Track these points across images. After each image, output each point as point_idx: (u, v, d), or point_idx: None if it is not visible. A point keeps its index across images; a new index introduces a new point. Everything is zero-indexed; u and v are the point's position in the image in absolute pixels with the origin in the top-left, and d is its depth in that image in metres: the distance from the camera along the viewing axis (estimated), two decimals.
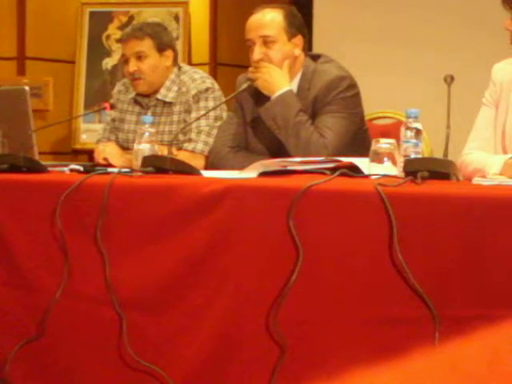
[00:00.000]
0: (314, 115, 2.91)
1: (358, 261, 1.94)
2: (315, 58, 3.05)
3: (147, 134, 2.67)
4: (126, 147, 3.51)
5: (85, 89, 5.26)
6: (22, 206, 2.44)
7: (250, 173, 2.32)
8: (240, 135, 3.11)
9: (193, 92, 3.43)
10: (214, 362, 2.12)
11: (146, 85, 3.45)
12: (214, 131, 3.32)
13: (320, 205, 1.99)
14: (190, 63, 4.95)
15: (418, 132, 2.22)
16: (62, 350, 2.37)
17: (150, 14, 5.18)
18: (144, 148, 2.64)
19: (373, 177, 2.16)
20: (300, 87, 2.98)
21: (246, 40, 2.99)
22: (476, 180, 2.16)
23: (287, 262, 1.99)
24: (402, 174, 2.07)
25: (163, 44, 3.47)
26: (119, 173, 2.40)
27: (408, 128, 2.22)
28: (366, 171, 2.21)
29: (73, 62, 5.28)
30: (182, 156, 3.20)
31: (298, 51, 2.99)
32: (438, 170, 2.07)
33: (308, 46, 3.16)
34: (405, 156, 2.18)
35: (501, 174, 2.29)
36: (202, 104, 3.41)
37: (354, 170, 2.19)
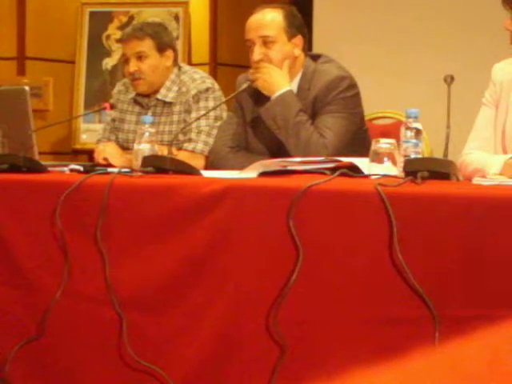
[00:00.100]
0: (313, 115, 2.91)
1: (358, 261, 1.94)
2: (315, 58, 3.05)
3: (147, 133, 2.68)
4: (126, 147, 3.51)
5: (85, 89, 5.26)
6: (22, 206, 2.44)
7: (250, 173, 2.32)
8: (240, 135, 3.11)
9: (193, 92, 3.43)
10: (213, 362, 2.12)
11: (146, 85, 3.46)
12: (214, 131, 3.32)
13: (320, 205, 1.99)
14: (190, 63, 4.95)
15: (418, 132, 2.22)
16: (62, 350, 2.37)
17: (150, 14, 5.18)
18: (144, 148, 2.64)
19: (373, 177, 2.16)
20: (300, 87, 2.98)
21: (246, 40, 2.99)
22: (476, 180, 2.16)
23: (287, 262, 1.99)
24: (402, 174, 2.07)
25: (163, 44, 3.47)
26: (119, 173, 2.40)
27: (408, 128, 2.22)
28: (366, 171, 2.21)
29: (73, 62, 5.27)
30: (182, 156, 3.20)
31: (297, 51, 2.99)
32: (438, 170, 2.07)
33: (308, 46, 3.16)
34: (405, 156, 2.18)
35: (501, 174, 2.29)
36: (202, 104, 3.41)
37: (354, 170, 2.19)
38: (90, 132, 5.15)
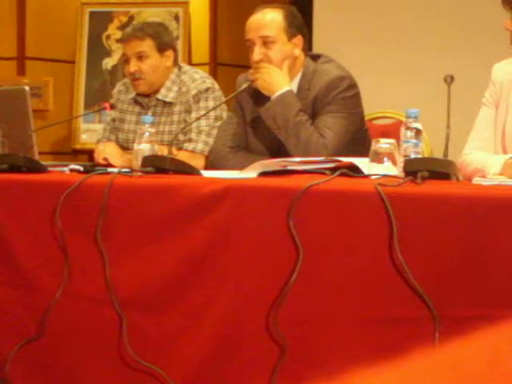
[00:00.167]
0: (313, 115, 2.91)
1: (358, 261, 1.94)
2: (315, 58, 3.05)
3: (147, 134, 2.67)
4: (126, 147, 3.51)
5: (85, 89, 5.26)
6: (22, 206, 2.44)
7: (250, 173, 2.32)
8: (240, 135, 3.11)
9: (193, 92, 3.43)
10: (213, 362, 2.12)
11: (146, 85, 3.46)
12: (214, 131, 3.33)
13: (320, 205, 1.99)
14: (190, 63, 4.95)
15: (418, 132, 2.22)
16: (62, 350, 2.37)
17: (150, 14, 5.18)
18: (144, 148, 2.64)
19: (373, 177, 2.16)
20: (300, 87, 2.98)
21: (246, 40, 2.99)
22: (476, 180, 2.16)
23: (287, 262, 1.99)
24: (402, 174, 2.07)
25: (164, 44, 3.47)
26: (119, 173, 2.40)
27: (408, 128, 2.22)
28: (366, 171, 2.21)
29: (73, 62, 5.27)
30: (182, 156, 3.20)
31: (297, 51, 2.99)
32: (438, 170, 2.07)
33: (308, 46, 3.16)
34: (405, 156, 2.18)
35: (501, 174, 2.29)
36: (202, 104, 3.41)
37: (354, 170, 2.19)
38: (89, 132, 5.15)
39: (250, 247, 2.07)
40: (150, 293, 2.22)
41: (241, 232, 2.09)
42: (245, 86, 2.98)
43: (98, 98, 5.09)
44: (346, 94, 2.92)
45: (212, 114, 3.37)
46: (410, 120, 2.23)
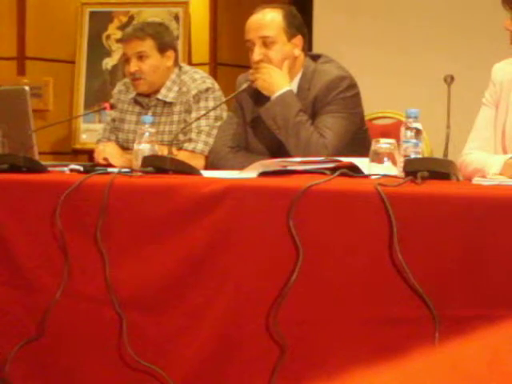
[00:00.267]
0: (313, 115, 2.91)
1: (358, 261, 1.94)
2: (315, 58, 3.05)
3: (147, 134, 2.67)
4: (126, 147, 3.51)
5: (85, 89, 5.26)
6: (22, 206, 2.44)
7: (250, 173, 2.32)
8: (240, 135, 3.11)
9: (193, 92, 3.43)
10: (213, 362, 2.12)
11: (146, 85, 3.45)
12: (214, 131, 3.32)
13: (320, 205, 1.99)
14: (190, 63, 4.95)
15: (418, 132, 2.22)
16: (62, 350, 2.37)
17: (150, 14, 5.18)
18: (144, 148, 2.64)
19: (373, 177, 2.16)
20: (300, 87, 2.98)
21: (246, 40, 2.99)
22: (476, 180, 2.16)
23: (287, 262, 1.99)
24: (402, 174, 2.07)
25: (165, 44, 3.47)
26: (119, 173, 2.40)
27: (408, 128, 2.22)
28: (366, 171, 2.21)
29: (73, 62, 5.28)
30: (182, 156, 3.20)
31: (297, 51, 2.99)
32: (438, 170, 2.07)
33: (308, 46, 3.16)
34: (405, 156, 2.18)
35: (501, 174, 2.29)
36: (202, 104, 3.41)
37: (354, 170, 2.19)
38: (89, 132, 5.15)
39: (250, 247, 2.07)
40: (150, 293, 2.22)
41: (241, 232, 2.09)
42: (245, 86, 2.98)
43: (98, 98, 5.09)
44: (345, 94, 2.92)
45: (212, 114, 3.37)
46: (410, 120, 2.23)
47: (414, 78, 4.75)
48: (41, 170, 2.62)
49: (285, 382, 2.02)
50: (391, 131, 3.03)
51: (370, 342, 1.91)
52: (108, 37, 5.30)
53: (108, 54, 5.29)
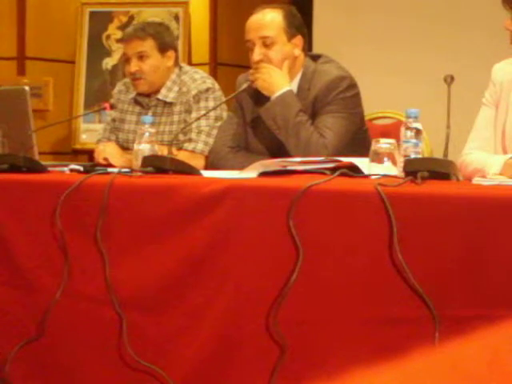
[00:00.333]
0: (313, 115, 2.91)
1: (358, 261, 1.94)
2: (315, 58, 3.05)
3: (147, 134, 2.67)
4: (126, 147, 3.51)
5: (85, 89, 5.26)
6: (22, 206, 2.44)
7: (250, 173, 2.32)
8: (240, 135, 3.11)
9: (193, 92, 3.43)
10: (213, 361, 2.12)
11: (146, 85, 3.45)
12: (215, 131, 3.32)
13: (320, 205, 1.99)
14: (190, 63, 4.95)
15: (418, 132, 2.22)
16: (62, 350, 2.37)
17: (150, 14, 5.18)
18: (144, 148, 2.64)
19: (373, 177, 2.16)
20: (300, 87, 2.98)
21: (246, 41, 2.99)
22: (476, 180, 2.16)
23: (287, 262, 1.99)
24: (402, 174, 2.07)
25: (165, 44, 3.47)
26: (119, 173, 2.40)
27: (408, 128, 2.22)
28: (366, 171, 2.21)
29: (73, 62, 5.28)
30: (182, 156, 3.20)
31: (297, 51, 2.99)
32: (438, 170, 2.07)
33: (308, 46, 3.16)
34: (405, 156, 2.18)
35: (501, 174, 2.29)
36: (202, 104, 3.41)
37: (354, 170, 2.19)
38: (89, 132, 5.15)
39: (250, 247, 2.07)
40: (150, 293, 2.22)
41: (241, 232, 2.09)
42: (245, 86, 2.98)
43: (98, 98, 5.09)
44: (345, 94, 2.92)
45: (212, 114, 3.37)
46: (410, 120, 2.23)
47: (413, 78, 4.75)
48: (41, 170, 2.62)
49: (285, 381, 2.02)
50: (391, 131, 3.03)
51: (370, 341, 1.91)
52: (108, 37, 5.30)
53: (108, 53, 5.29)
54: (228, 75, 4.89)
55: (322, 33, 5.06)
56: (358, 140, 2.91)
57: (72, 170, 2.69)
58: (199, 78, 3.48)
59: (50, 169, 2.70)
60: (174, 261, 2.18)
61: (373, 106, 3.45)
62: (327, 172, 2.17)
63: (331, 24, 5.10)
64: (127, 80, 3.61)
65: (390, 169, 2.19)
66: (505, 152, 2.51)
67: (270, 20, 2.97)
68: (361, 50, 4.87)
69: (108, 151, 3.39)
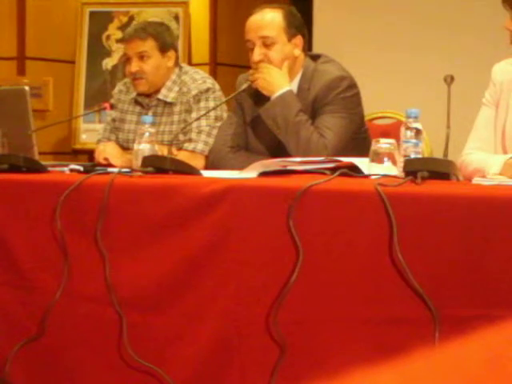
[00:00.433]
0: (313, 115, 2.91)
1: (358, 261, 1.94)
2: (315, 58, 3.05)
3: (147, 134, 2.67)
4: (126, 147, 3.51)
5: (85, 89, 5.26)
6: (22, 206, 2.44)
7: (250, 173, 2.32)
8: (240, 135, 3.11)
9: (193, 92, 3.43)
10: (213, 361, 2.12)
11: (147, 85, 3.45)
12: (215, 131, 3.32)
13: (320, 205, 1.99)
14: (190, 63, 4.95)
15: (417, 132, 2.22)
16: (62, 350, 2.37)
17: (150, 14, 5.18)
18: (144, 148, 2.64)
19: (373, 177, 2.16)
20: (300, 87, 2.98)
21: (246, 41, 2.99)
22: (476, 180, 2.16)
23: (287, 262, 1.99)
24: (402, 174, 2.07)
25: (166, 44, 3.47)
26: (119, 173, 2.40)
27: (408, 128, 2.22)
28: (366, 171, 2.21)
29: (73, 62, 5.28)
30: (182, 156, 3.20)
31: (297, 51, 2.99)
32: (437, 170, 2.07)
33: (308, 46, 3.16)
34: (405, 156, 2.18)
35: (501, 174, 2.29)
36: (202, 104, 3.41)
37: (354, 170, 2.19)
38: (89, 132, 5.15)
39: (250, 247, 2.07)
40: (150, 293, 2.22)
41: (241, 232, 2.09)
42: (245, 86, 2.98)
43: (98, 98, 5.09)
44: (345, 94, 2.92)
45: (212, 114, 3.37)
46: (410, 120, 2.23)
47: (414, 78, 4.75)
48: (41, 170, 2.62)
49: (285, 382, 2.02)
50: (391, 131, 3.03)
51: (369, 341, 1.91)
52: (108, 37, 5.30)
53: (108, 53, 5.29)
54: (228, 75, 4.89)
55: (322, 33, 5.06)
56: (358, 140, 2.91)
57: (72, 170, 2.69)
58: (199, 78, 3.48)
59: (49, 169, 2.70)
60: (174, 261, 2.18)
61: (373, 106, 3.45)
62: (327, 172, 2.17)
63: (331, 24, 5.10)
64: (127, 80, 3.61)
65: (390, 169, 2.19)
66: (505, 152, 2.51)
67: (269, 20, 2.97)
68: (361, 50, 4.87)
69: (108, 151, 3.39)
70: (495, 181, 2.14)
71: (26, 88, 2.97)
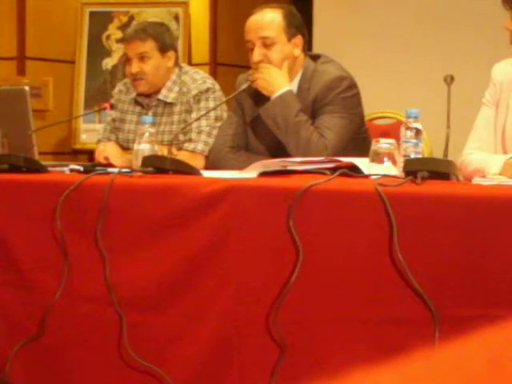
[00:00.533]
0: (313, 115, 2.91)
1: (358, 261, 1.94)
2: (315, 58, 3.05)
3: (147, 134, 2.67)
4: (126, 147, 3.51)
5: (85, 89, 5.26)
6: (22, 206, 2.44)
7: (250, 173, 2.32)
8: (240, 135, 3.11)
9: (193, 92, 3.43)
10: (213, 362, 2.12)
11: (147, 85, 3.45)
12: (215, 131, 3.32)
13: (320, 205, 1.99)
14: (190, 63, 4.95)
15: (417, 132, 2.22)
16: (62, 349, 2.37)
17: (150, 14, 5.18)
18: (144, 148, 2.64)
19: (373, 177, 2.16)
20: (300, 87, 2.98)
21: (246, 41, 2.99)
22: (476, 180, 2.16)
23: (287, 262, 1.99)
24: (402, 174, 2.07)
25: (166, 45, 3.47)
26: (119, 173, 2.40)
27: (408, 128, 2.22)
28: (366, 171, 2.21)
29: (73, 62, 5.28)
30: (182, 156, 3.20)
31: (297, 51, 2.99)
32: (437, 170, 2.07)
33: (308, 46, 3.16)
34: (405, 156, 2.18)
35: (501, 174, 2.29)
36: (202, 104, 3.41)
37: (354, 170, 2.19)
38: (89, 132, 5.15)
39: (250, 247, 2.07)
40: (150, 293, 2.22)
41: (241, 232, 2.09)
42: (245, 86, 2.98)
43: (98, 98, 5.09)
44: (345, 94, 2.92)
45: (212, 114, 3.37)
46: (410, 120, 2.23)
47: (414, 78, 4.75)
48: (41, 170, 2.62)
49: (285, 382, 2.02)
50: (391, 131, 3.03)
51: (369, 341, 1.91)
52: (108, 37, 5.30)
53: (108, 54, 5.29)
54: (228, 75, 4.89)
55: (322, 33, 5.06)
56: (358, 140, 2.91)
57: (72, 170, 2.69)
58: (199, 79, 3.48)
59: (49, 169, 2.70)
60: (174, 261, 2.18)
61: (373, 106, 3.45)
62: (327, 172, 2.17)
63: (331, 24, 5.10)
64: (127, 80, 3.61)
65: (390, 169, 2.19)
66: (505, 152, 2.51)
67: (269, 20, 2.97)
68: (361, 50, 4.87)
69: (108, 151, 3.39)
70: (495, 181, 2.14)
71: (26, 88, 2.97)
